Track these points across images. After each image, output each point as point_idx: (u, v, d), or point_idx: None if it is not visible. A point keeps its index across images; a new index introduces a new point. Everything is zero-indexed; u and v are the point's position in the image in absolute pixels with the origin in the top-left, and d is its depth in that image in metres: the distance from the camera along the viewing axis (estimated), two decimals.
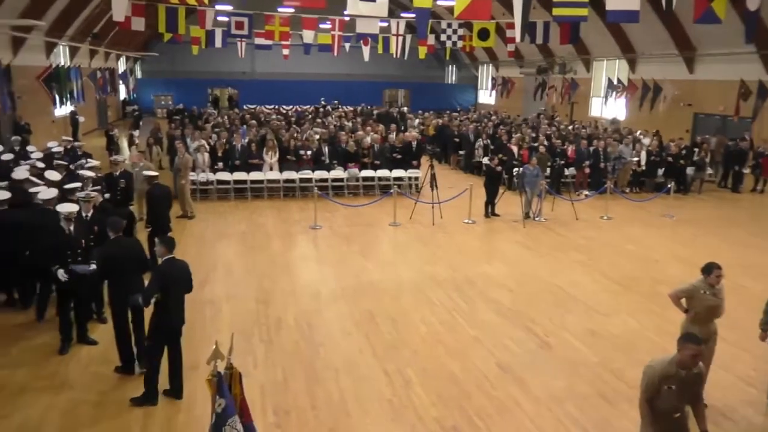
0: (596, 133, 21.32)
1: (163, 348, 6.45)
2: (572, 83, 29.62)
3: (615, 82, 27.01)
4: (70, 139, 16.97)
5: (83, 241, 7.63)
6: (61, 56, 26.18)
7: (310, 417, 6.30)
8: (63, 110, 25.71)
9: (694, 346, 4.58)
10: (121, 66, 38.06)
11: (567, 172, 17.89)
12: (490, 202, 14.77)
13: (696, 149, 18.30)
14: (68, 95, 23.34)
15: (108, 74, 30.37)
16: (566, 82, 30.06)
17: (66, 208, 7.67)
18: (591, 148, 17.67)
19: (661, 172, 17.88)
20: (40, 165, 11.52)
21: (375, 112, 31.10)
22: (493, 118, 27.67)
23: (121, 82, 36.07)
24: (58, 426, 6.07)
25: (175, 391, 6.53)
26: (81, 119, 26.75)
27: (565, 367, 7.45)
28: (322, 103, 36.04)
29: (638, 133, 20.86)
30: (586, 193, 16.94)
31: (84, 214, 8.13)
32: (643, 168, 18.01)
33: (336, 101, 35.28)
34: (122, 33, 29.63)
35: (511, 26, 16.99)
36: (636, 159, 18.02)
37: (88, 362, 7.33)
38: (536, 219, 14.50)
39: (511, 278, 10.61)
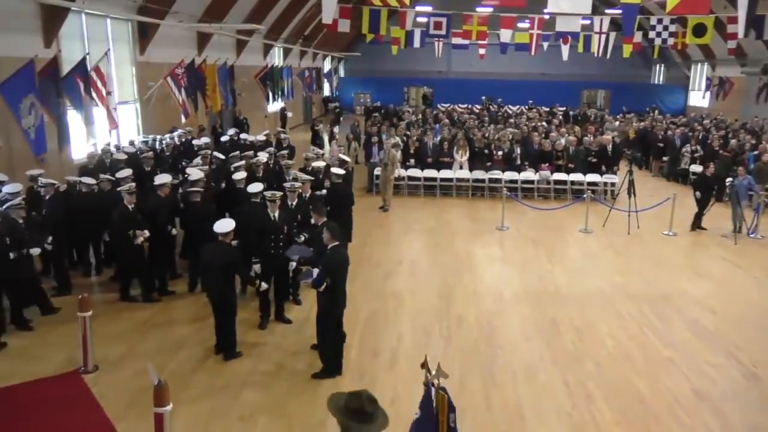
0: None
1: (334, 330, 6.88)
2: None
3: None
4: (283, 130, 18.52)
5: (286, 227, 8.27)
6: (276, 57, 28.73)
7: (485, 418, 6.27)
8: (274, 106, 28.21)
9: None
10: (327, 65, 40.73)
11: None
12: (699, 214, 13.52)
13: None
14: (280, 92, 25.54)
15: (315, 73, 32.68)
16: None
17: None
18: None
19: None
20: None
21: (571, 113, 30.00)
22: (705, 122, 25.26)
23: (325, 80, 38.63)
24: (256, 387, 6.74)
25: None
26: (289, 114, 29.17)
27: None
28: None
29: None
30: None
31: (289, 203, 8.84)
32: None
33: (531, 101, 34.52)
34: (329, 35, 31.68)
35: (734, 20, 15.39)
36: None
37: (283, 338, 7.97)
38: (750, 235, 13.02)
39: (714, 298, 9.66)
